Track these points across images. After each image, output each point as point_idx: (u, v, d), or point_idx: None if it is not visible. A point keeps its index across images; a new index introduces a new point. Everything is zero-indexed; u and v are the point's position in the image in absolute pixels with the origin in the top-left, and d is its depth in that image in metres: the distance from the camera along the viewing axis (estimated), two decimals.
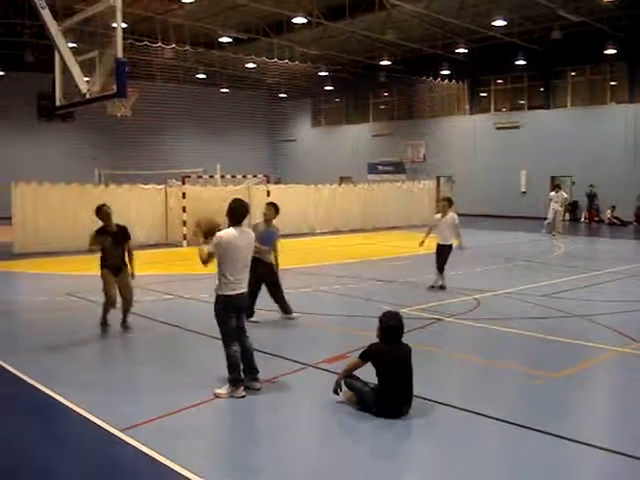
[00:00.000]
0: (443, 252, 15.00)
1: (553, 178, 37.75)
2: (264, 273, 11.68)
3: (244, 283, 8.12)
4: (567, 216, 37.74)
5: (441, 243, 15.06)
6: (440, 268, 14.98)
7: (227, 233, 8.02)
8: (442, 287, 14.93)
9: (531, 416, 7.20)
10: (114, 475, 5.99)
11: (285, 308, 12.15)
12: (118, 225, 11.47)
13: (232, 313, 8.04)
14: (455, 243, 15.22)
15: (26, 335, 11.50)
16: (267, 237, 11.63)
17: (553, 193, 28.54)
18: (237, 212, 8.28)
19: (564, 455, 6.34)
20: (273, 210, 12.04)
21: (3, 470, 6.02)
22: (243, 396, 7.78)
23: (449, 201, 15.36)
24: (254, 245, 8.52)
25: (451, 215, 15.03)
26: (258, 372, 8.23)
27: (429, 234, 15.21)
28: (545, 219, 28.06)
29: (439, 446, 6.58)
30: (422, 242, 15.11)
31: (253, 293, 11.29)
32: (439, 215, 15.26)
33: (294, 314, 12.11)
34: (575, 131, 36.46)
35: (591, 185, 31.86)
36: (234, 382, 7.88)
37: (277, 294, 12.14)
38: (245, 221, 8.34)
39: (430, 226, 15.47)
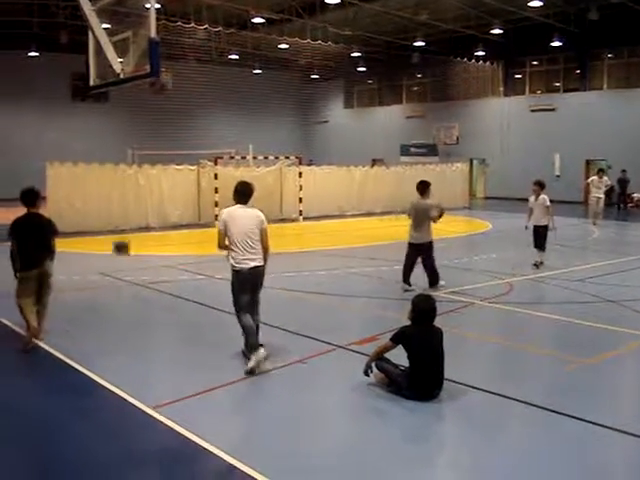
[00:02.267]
0: (537, 232, 15.50)
1: (588, 162, 37.28)
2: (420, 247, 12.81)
3: (251, 259, 8.43)
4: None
5: (535, 224, 15.58)
6: (541, 247, 15.45)
7: (228, 210, 8.60)
8: (536, 264, 15.36)
9: (563, 401, 7.13)
10: (145, 452, 6.05)
11: (432, 280, 12.89)
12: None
13: (241, 287, 8.44)
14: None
15: (57, 313, 11.61)
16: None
17: (595, 178, 25.56)
18: (241, 192, 8.69)
19: (596, 441, 6.28)
20: (421, 187, 13.33)
21: (36, 445, 6.11)
22: (266, 357, 8.07)
23: (540, 184, 15.83)
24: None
25: (543, 197, 15.50)
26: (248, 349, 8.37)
27: (530, 216, 15.71)
28: (586, 204, 26.31)
29: (470, 430, 6.55)
30: (526, 226, 15.79)
31: (408, 266, 12.84)
32: (532, 198, 15.70)
33: (441, 282, 12.91)
34: (611, 114, 35.89)
35: (623, 170, 31.13)
36: (253, 347, 8.14)
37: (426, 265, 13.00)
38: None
39: (529, 208, 15.78)
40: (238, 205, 8.64)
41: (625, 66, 36.80)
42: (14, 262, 9.30)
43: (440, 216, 13.12)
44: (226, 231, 8.45)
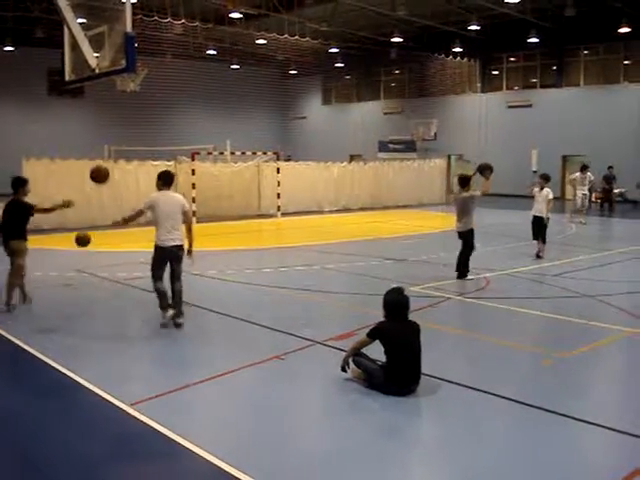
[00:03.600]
0: (538, 223, 16.14)
1: (565, 158, 37.54)
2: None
3: (172, 238, 9.72)
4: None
5: (536, 215, 16.21)
6: (541, 238, 16.08)
7: (153, 195, 9.97)
8: (538, 255, 16.03)
9: (540, 396, 7.17)
10: (121, 449, 6.01)
11: (460, 273, 13.53)
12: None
13: (161, 261, 9.83)
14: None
15: (33, 311, 11.52)
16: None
17: (579, 174, 25.24)
18: (165, 180, 10.09)
19: (573, 435, 6.32)
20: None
21: (10, 444, 6.05)
22: (172, 318, 9.77)
23: (545, 178, 16.54)
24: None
25: (546, 190, 16.13)
26: (182, 314, 9.87)
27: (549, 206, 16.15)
28: (566, 200, 25.89)
29: (447, 424, 6.57)
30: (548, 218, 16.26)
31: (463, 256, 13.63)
32: (537, 189, 16.29)
33: (469, 276, 13.56)
34: (587, 110, 36.17)
35: (610, 167, 30.79)
36: (164, 308, 9.87)
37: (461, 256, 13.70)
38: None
39: (548, 200, 16.13)
40: (162, 191, 9.95)
41: (601, 62, 37.04)
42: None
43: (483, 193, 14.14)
44: (151, 213, 9.85)
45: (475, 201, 13.87)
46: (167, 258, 9.83)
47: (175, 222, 9.78)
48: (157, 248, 9.83)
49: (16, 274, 10.99)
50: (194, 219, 24.03)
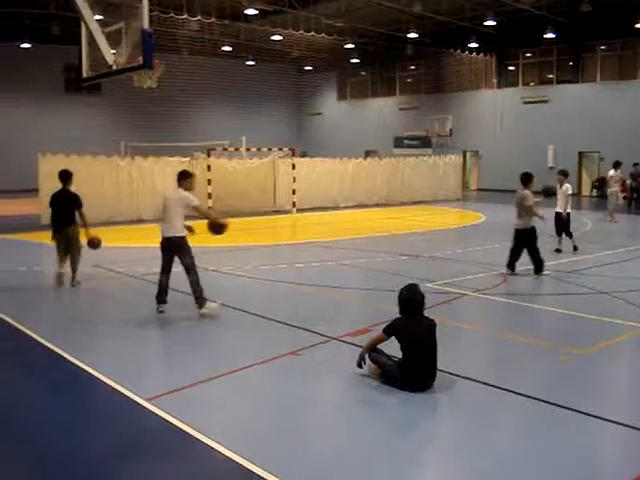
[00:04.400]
0: (557, 219, 16.51)
1: (581, 154, 37.35)
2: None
3: (168, 230, 10.43)
4: (594, 192, 37.39)
5: (557, 210, 16.52)
6: (566, 233, 16.50)
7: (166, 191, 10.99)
8: (558, 250, 16.35)
9: (557, 392, 7.15)
10: (138, 443, 6.05)
11: (536, 267, 13.57)
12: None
13: (164, 252, 10.61)
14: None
15: (51, 306, 11.61)
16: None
17: (613, 172, 24.23)
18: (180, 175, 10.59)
19: (590, 432, 6.31)
20: (523, 178, 14.10)
21: (29, 439, 6.11)
22: (161, 312, 10.50)
23: (564, 174, 16.79)
24: None
25: (566, 186, 16.43)
26: (201, 300, 10.36)
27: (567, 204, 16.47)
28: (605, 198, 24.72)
29: (464, 421, 6.57)
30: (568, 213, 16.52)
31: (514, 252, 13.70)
32: (558, 186, 16.50)
33: (545, 272, 13.56)
34: (604, 106, 35.97)
35: (636, 164, 30.17)
36: (157, 300, 10.60)
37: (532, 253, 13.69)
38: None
39: (566, 196, 16.46)
40: (171, 189, 10.73)
41: (618, 58, 36.84)
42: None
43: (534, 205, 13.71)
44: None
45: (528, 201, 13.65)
46: (166, 250, 10.67)
47: (171, 218, 10.48)
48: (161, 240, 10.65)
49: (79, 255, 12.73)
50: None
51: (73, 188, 12.83)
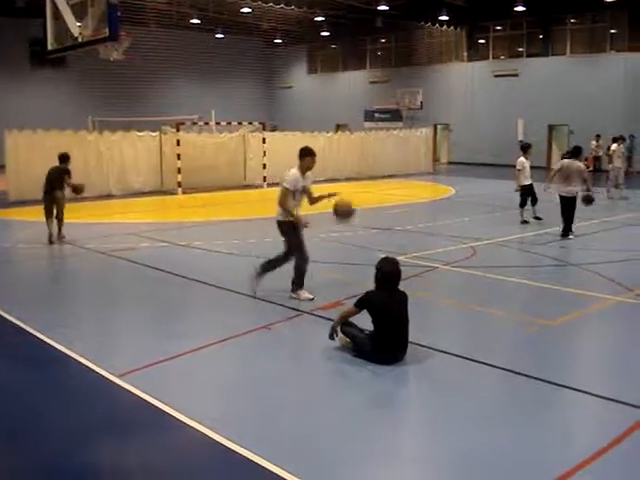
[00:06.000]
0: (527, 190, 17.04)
1: (551, 127, 37.54)
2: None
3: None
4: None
5: (526, 183, 16.96)
6: (524, 205, 16.99)
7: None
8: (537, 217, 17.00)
9: (526, 363, 7.23)
10: (110, 420, 6.02)
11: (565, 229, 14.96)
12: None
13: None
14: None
15: (19, 282, 11.48)
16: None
17: (615, 145, 23.01)
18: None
19: (559, 402, 6.38)
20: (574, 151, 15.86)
21: (4, 418, 6.05)
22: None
23: (522, 147, 17.28)
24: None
25: (519, 160, 16.86)
26: (293, 289, 9.85)
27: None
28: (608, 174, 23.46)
29: (434, 392, 6.61)
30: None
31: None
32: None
33: (570, 236, 14.81)
34: (574, 79, 36.13)
35: (632, 136, 29.16)
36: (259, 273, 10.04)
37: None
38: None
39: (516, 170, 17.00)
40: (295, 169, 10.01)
41: (588, 31, 36.94)
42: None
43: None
44: None
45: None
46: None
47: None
48: None
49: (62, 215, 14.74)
50: (179, 190, 24.21)
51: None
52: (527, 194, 16.73)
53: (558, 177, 15.29)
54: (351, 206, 10.05)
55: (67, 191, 15.08)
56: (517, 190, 16.91)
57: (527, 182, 16.69)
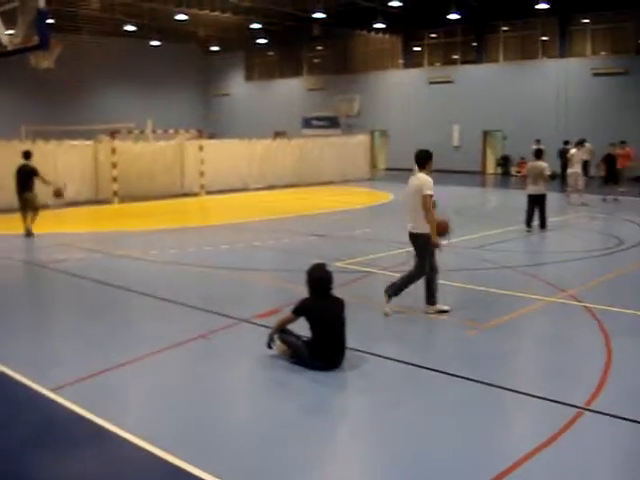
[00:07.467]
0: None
1: (486, 133, 38.17)
2: None
3: (410, 223, 9.37)
4: (499, 170, 38.31)
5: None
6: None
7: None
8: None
9: (464, 365, 7.33)
10: (46, 436, 5.89)
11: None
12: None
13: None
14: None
15: None
16: None
17: (575, 150, 22.66)
18: (417, 158, 9.49)
19: (497, 402, 6.48)
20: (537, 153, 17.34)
21: None
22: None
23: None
24: None
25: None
26: (429, 303, 9.43)
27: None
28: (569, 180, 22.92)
29: (372, 397, 6.65)
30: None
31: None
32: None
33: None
34: (507, 86, 36.83)
35: (566, 142, 29.52)
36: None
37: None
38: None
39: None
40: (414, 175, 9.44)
41: (520, 39, 37.69)
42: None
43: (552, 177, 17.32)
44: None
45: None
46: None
47: (408, 206, 9.45)
48: None
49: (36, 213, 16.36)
50: (115, 199, 23.86)
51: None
52: None
53: (528, 179, 16.74)
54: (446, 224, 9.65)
55: (50, 189, 16.79)
56: None
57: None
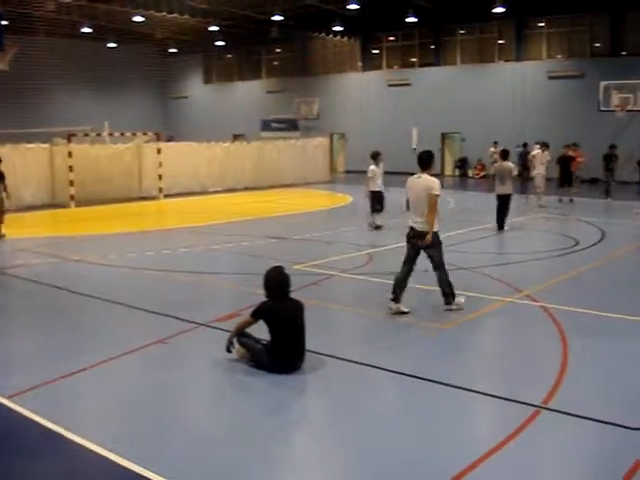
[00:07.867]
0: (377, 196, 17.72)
1: (444, 135, 38.48)
2: None
3: (414, 221, 9.51)
4: (457, 172, 38.68)
5: (376, 189, 17.65)
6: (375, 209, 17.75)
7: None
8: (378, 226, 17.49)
9: (423, 366, 7.38)
10: (0, 445, 5.81)
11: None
12: None
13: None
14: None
15: None
16: None
17: (539, 152, 22.88)
18: (420, 160, 9.67)
19: (456, 402, 6.52)
20: (502, 154, 17.97)
21: None
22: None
23: (372, 155, 17.91)
24: None
25: (371, 168, 17.56)
26: (447, 301, 9.66)
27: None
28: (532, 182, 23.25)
29: (333, 399, 6.66)
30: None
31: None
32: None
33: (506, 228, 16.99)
34: (464, 89, 37.19)
35: (525, 144, 29.63)
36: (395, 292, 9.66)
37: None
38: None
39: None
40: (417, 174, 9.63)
41: (477, 42, 38.09)
42: None
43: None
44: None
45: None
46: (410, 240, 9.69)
47: (417, 206, 9.52)
48: None
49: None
50: (72, 203, 23.56)
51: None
52: (377, 200, 17.40)
53: (495, 179, 17.34)
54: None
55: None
56: (366, 197, 17.66)
57: (376, 188, 17.37)
